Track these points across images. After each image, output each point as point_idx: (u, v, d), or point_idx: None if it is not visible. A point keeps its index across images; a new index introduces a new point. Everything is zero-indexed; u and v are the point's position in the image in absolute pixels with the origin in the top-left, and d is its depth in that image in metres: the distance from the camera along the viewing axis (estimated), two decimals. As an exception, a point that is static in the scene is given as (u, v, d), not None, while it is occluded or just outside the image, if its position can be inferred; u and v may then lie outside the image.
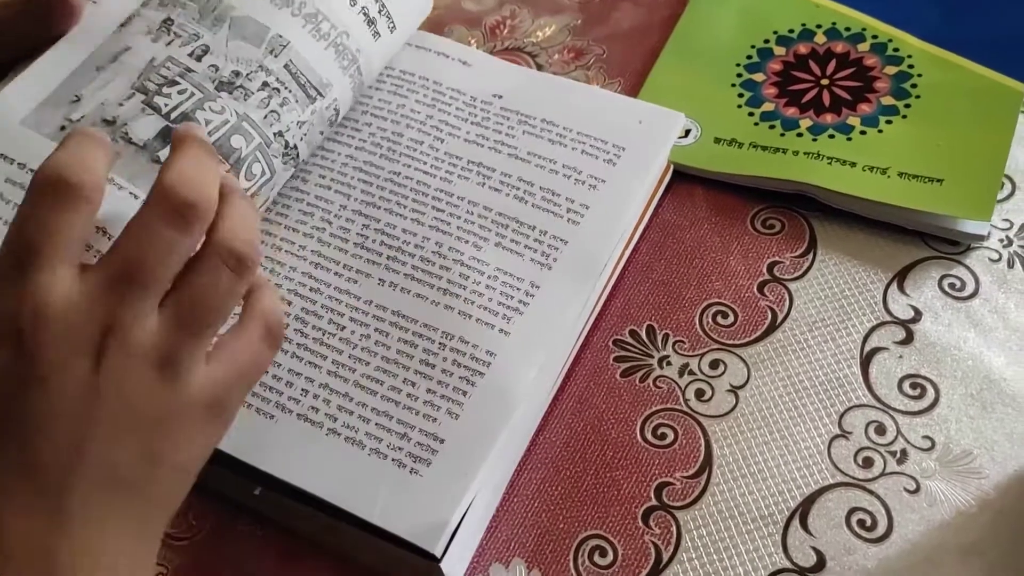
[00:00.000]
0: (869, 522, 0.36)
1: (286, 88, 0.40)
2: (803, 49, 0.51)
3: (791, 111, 0.48)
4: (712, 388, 0.40)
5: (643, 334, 0.42)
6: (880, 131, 0.46)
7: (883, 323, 0.41)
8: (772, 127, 0.47)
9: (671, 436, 0.39)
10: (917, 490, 0.37)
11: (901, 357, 0.40)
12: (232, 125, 0.38)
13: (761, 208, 0.46)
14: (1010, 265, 0.42)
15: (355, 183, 0.43)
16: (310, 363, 0.38)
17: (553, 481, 0.39)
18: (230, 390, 0.30)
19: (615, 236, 0.41)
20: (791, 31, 0.51)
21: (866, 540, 0.36)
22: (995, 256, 0.43)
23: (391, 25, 0.45)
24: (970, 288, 0.42)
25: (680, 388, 0.41)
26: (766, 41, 0.51)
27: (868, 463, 0.38)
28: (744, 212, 0.46)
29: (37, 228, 0.27)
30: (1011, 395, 0.39)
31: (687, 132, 0.48)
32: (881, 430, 0.39)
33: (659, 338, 0.42)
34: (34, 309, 0.26)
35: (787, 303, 0.43)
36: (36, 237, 0.26)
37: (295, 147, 0.41)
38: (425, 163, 0.44)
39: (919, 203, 0.43)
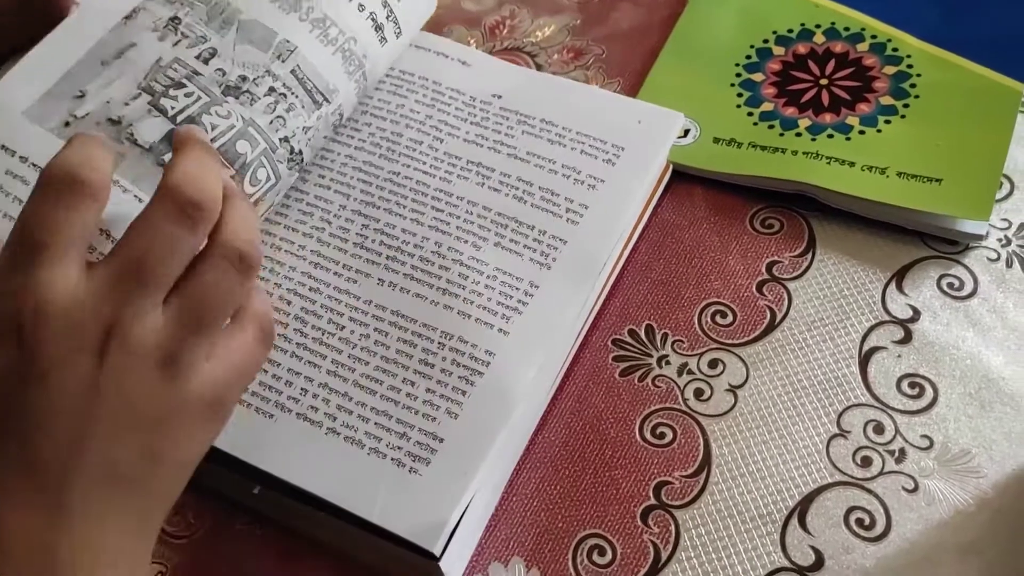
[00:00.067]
0: (868, 521, 0.36)
1: (292, 94, 0.40)
2: (802, 49, 0.51)
3: (790, 111, 0.48)
4: (711, 387, 0.40)
5: (642, 333, 0.42)
6: (879, 131, 0.46)
7: (882, 322, 0.41)
8: (771, 127, 0.47)
9: (670, 435, 0.39)
10: (915, 489, 0.37)
11: (900, 356, 0.40)
12: (238, 130, 0.38)
13: (760, 208, 0.46)
14: (1008, 265, 0.43)
15: (354, 183, 0.44)
16: (309, 363, 0.38)
17: (552, 480, 0.39)
18: (229, 389, 0.30)
19: (614, 236, 0.42)
20: (790, 31, 0.51)
21: (864, 539, 0.36)
22: (993, 256, 0.43)
23: (397, 31, 0.45)
24: (968, 288, 0.42)
25: (679, 387, 0.41)
26: (765, 41, 0.51)
27: (867, 462, 0.38)
28: (743, 212, 0.46)
29: (43, 224, 0.27)
30: (1009, 394, 0.39)
31: (686, 132, 0.48)
32: (880, 429, 0.39)
33: (658, 337, 0.42)
34: (37, 305, 0.26)
35: (786, 303, 0.43)
36: (42, 233, 0.27)
37: (300, 152, 0.41)
38: (424, 163, 0.44)
39: (918, 203, 0.43)
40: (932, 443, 0.38)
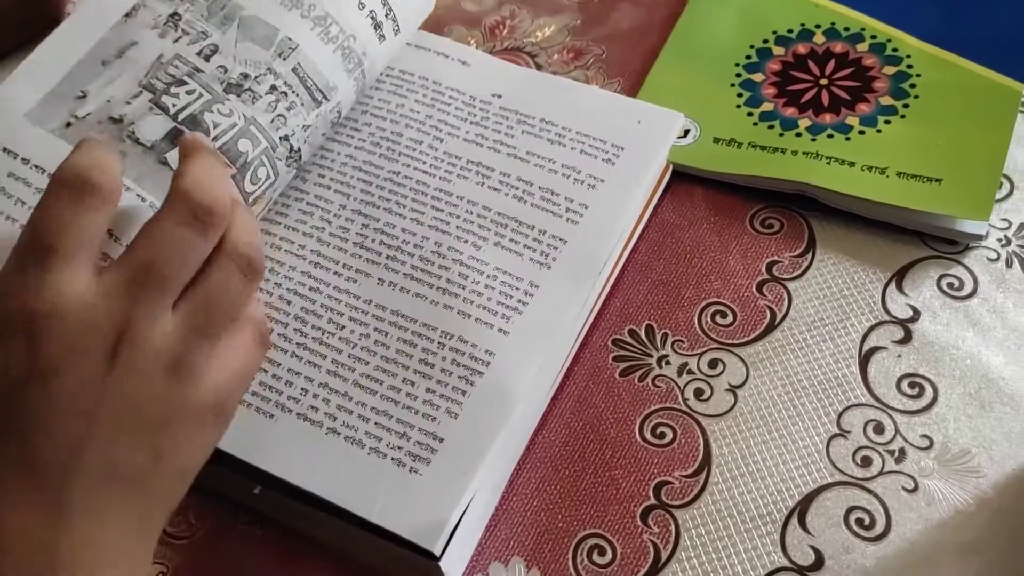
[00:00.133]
0: (867, 521, 0.36)
1: (293, 92, 0.40)
2: (802, 49, 0.51)
3: (790, 111, 0.48)
4: (711, 387, 0.41)
5: (642, 333, 0.42)
6: (879, 131, 0.46)
7: (882, 322, 0.41)
8: (771, 127, 0.48)
9: (670, 435, 0.39)
10: (915, 489, 0.37)
11: (900, 356, 0.40)
12: (240, 129, 0.38)
13: (760, 208, 0.46)
14: (1008, 264, 0.43)
15: (354, 183, 0.44)
16: (309, 362, 0.38)
17: (552, 480, 0.39)
18: (232, 393, 0.30)
19: (614, 236, 0.42)
20: (790, 31, 0.51)
21: (864, 539, 0.36)
22: (993, 256, 0.43)
23: (396, 28, 0.45)
24: (968, 287, 0.42)
25: (679, 387, 0.41)
26: (765, 41, 0.51)
27: (866, 462, 0.38)
28: (743, 212, 0.46)
29: (56, 226, 0.27)
30: (1009, 394, 0.39)
31: (686, 132, 0.48)
32: (879, 429, 0.39)
33: (658, 337, 0.42)
34: (50, 306, 0.26)
35: (786, 303, 0.43)
36: (53, 236, 0.27)
37: (298, 150, 0.41)
38: (424, 163, 0.44)
39: (918, 203, 0.43)
40: (932, 443, 0.38)
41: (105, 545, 0.27)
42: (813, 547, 0.36)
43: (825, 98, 0.48)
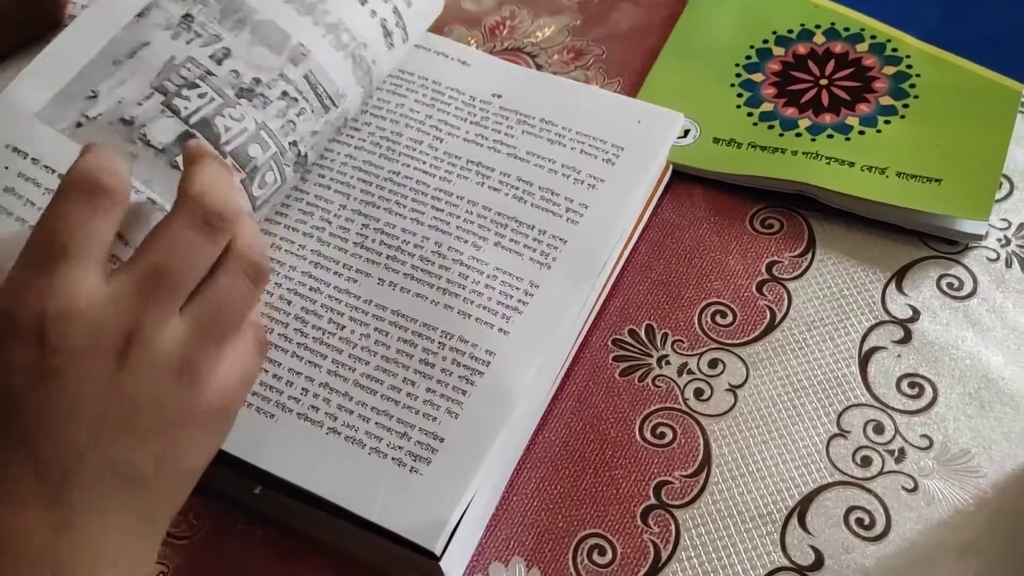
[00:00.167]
0: (867, 521, 0.37)
1: (304, 98, 0.40)
2: (802, 49, 0.51)
3: (790, 111, 0.48)
4: (711, 387, 0.41)
5: (642, 333, 0.43)
6: (879, 131, 0.46)
7: (881, 322, 0.42)
8: (771, 127, 0.48)
9: (670, 435, 0.39)
10: (915, 489, 0.37)
11: (899, 356, 0.41)
12: (250, 134, 0.38)
13: (760, 208, 0.46)
14: (1008, 265, 0.43)
15: (354, 182, 0.44)
16: (310, 362, 0.38)
17: (552, 480, 0.39)
18: (235, 396, 0.30)
19: (614, 235, 0.42)
20: (790, 31, 0.51)
21: (864, 539, 0.36)
22: (993, 256, 0.43)
23: (404, 36, 0.45)
24: (968, 287, 0.42)
25: (679, 387, 0.41)
26: (765, 41, 0.51)
27: (866, 462, 0.38)
28: (743, 212, 0.46)
29: (68, 227, 0.27)
30: (1009, 394, 0.39)
31: (686, 132, 0.48)
32: (879, 429, 0.39)
33: (658, 337, 0.42)
34: (61, 306, 0.26)
35: (786, 302, 0.43)
36: (66, 236, 0.27)
37: (305, 156, 0.41)
38: (424, 162, 0.44)
39: (917, 203, 0.43)
40: (932, 443, 0.38)
41: (106, 546, 0.27)
42: (813, 547, 0.36)
43: (825, 98, 0.48)
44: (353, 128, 0.45)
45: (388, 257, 0.41)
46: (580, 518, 0.38)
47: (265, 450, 0.36)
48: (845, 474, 0.38)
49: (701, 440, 0.39)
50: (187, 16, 0.38)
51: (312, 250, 0.42)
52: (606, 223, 0.42)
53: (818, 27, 0.51)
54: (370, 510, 0.35)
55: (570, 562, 0.37)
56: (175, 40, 0.38)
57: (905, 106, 0.47)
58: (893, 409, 0.39)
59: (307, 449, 0.36)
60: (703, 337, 0.42)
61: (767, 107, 0.48)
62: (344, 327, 0.39)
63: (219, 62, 0.38)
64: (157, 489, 0.28)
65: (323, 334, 0.39)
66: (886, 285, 0.43)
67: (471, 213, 0.42)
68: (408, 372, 0.38)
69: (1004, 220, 0.44)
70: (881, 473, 0.38)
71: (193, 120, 0.37)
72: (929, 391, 0.39)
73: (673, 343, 0.42)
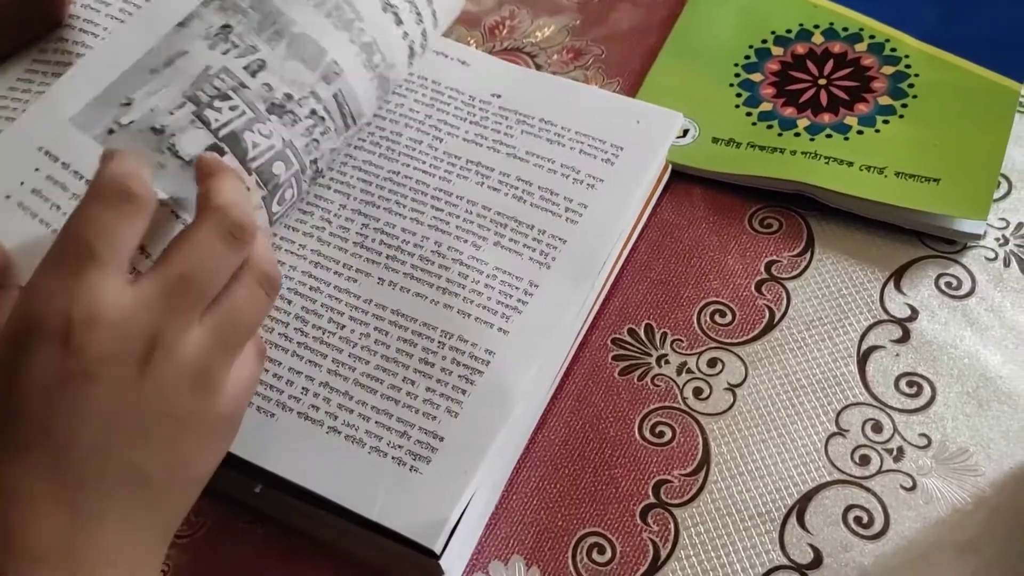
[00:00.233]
0: (866, 519, 0.37)
1: (330, 117, 0.40)
2: (801, 49, 0.51)
3: (789, 111, 0.48)
4: (710, 386, 0.41)
5: (641, 333, 0.43)
6: (877, 131, 0.46)
7: (880, 322, 0.42)
8: (770, 127, 0.48)
9: (669, 434, 0.40)
10: (913, 487, 0.37)
11: (898, 355, 0.41)
12: (276, 152, 0.38)
13: (759, 207, 0.46)
14: (1006, 264, 0.43)
15: (354, 182, 0.44)
16: (310, 362, 0.39)
17: (552, 479, 0.39)
18: (242, 404, 0.31)
19: (613, 235, 0.42)
20: (789, 31, 0.52)
21: (863, 537, 0.36)
22: (991, 255, 0.43)
23: (422, 54, 0.45)
24: (966, 287, 0.42)
25: (678, 386, 0.41)
26: (764, 41, 0.52)
27: (865, 461, 0.38)
28: (742, 211, 0.46)
29: (97, 232, 0.27)
30: (1007, 393, 0.39)
31: (685, 132, 0.48)
32: (878, 428, 0.39)
33: (657, 337, 0.42)
34: (87, 309, 0.26)
35: (785, 302, 0.43)
36: (94, 240, 0.27)
37: (321, 171, 0.41)
38: (424, 162, 0.44)
39: (916, 202, 0.43)
40: (930, 442, 0.38)
41: (117, 549, 0.27)
42: (812, 545, 0.36)
43: (824, 98, 0.48)
44: (353, 128, 0.46)
45: (388, 257, 0.41)
46: (579, 517, 0.38)
47: (266, 449, 0.36)
48: (844, 473, 0.38)
49: (700, 439, 0.39)
50: (226, 27, 0.38)
51: (312, 250, 0.42)
52: (605, 223, 0.42)
53: (817, 27, 0.51)
54: (370, 509, 0.35)
55: (570, 561, 0.37)
56: (212, 50, 0.38)
57: (904, 106, 0.47)
58: (891, 408, 0.39)
59: (307, 448, 0.36)
60: (702, 336, 0.42)
61: (766, 107, 0.49)
62: (344, 326, 0.39)
63: (253, 74, 0.37)
64: (168, 494, 0.29)
65: (323, 333, 0.39)
66: (884, 284, 0.43)
67: (471, 213, 0.42)
68: (408, 371, 0.38)
69: (1002, 219, 0.44)
70: (879, 472, 0.38)
71: (222, 133, 0.37)
72: (927, 390, 0.40)
73: (672, 342, 0.42)
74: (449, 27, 0.51)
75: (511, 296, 0.40)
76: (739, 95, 0.49)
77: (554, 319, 0.39)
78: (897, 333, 0.41)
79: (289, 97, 0.38)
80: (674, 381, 0.41)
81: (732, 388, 0.41)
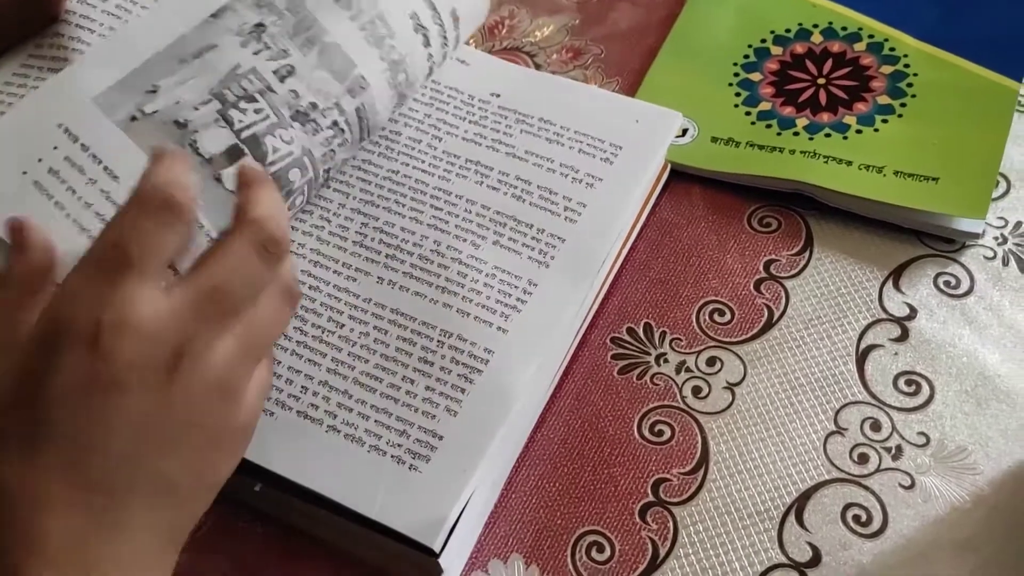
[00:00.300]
0: (864, 518, 0.37)
1: (350, 130, 0.40)
2: (800, 49, 0.51)
3: (788, 110, 0.48)
4: (709, 385, 0.41)
5: (640, 332, 0.43)
6: (876, 130, 0.46)
7: (879, 320, 0.42)
8: (769, 126, 0.48)
9: (668, 433, 0.40)
10: (912, 486, 0.37)
11: (896, 354, 0.41)
12: (295, 159, 0.38)
13: (758, 207, 0.46)
14: (1005, 263, 0.43)
15: (353, 181, 0.44)
16: (309, 360, 0.39)
17: (551, 477, 0.39)
18: (258, 411, 0.31)
19: (612, 234, 0.42)
20: (788, 31, 0.52)
21: (861, 535, 0.36)
22: (990, 254, 0.43)
23: (438, 70, 0.46)
24: (965, 286, 0.42)
25: (677, 385, 0.41)
26: (763, 41, 0.52)
27: (863, 459, 0.38)
28: (741, 211, 0.46)
29: (137, 240, 0.27)
30: (1005, 391, 0.39)
31: (684, 131, 0.48)
32: (876, 426, 0.39)
33: (656, 336, 0.42)
34: (118, 316, 0.26)
35: (783, 301, 0.43)
36: (133, 248, 0.27)
37: (331, 178, 0.41)
38: (423, 161, 0.44)
39: (915, 201, 0.43)
40: (929, 440, 0.38)
41: (134, 556, 0.27)
42: (810, 544, 0.36)
43: (823, 97, 0.48)
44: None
45: (387, 256, 0.41)
46: (579, 515, 0.38)
47: (265, 448, 0.36)
48: (842, 471, 0.38)
49: (699, 438, 0.39)
50: (260, 25, 0.37)
51: (311, 249, 0.42)
52: (604, 222, 0.42)
53: (816, 26, 0.51)
54: (370, 507, 0.35)
55: (569, 559, 0.37)
56: (243, 48, 0.37)
57: (903, 105, 0.47)
58: (890, 406, 0.39)
59: (307, 447, 0.36)
60: (701, 335, 0.42)
61: (765, 106, 0.49)
62: (343, 325, 0.39)
63: (282, 79, 0.37)
64: (186, 502, 0.29)
65: (322, 332, 0.39)
66: (883, 283, 0.43)
67: (470, 212, 0.42)
68: (407, 370, 0.38)
69: (1001, 218, 0.44)
70: (878, 470, 0.38)
71: (244, 135, 0.36)
72: (926, 388, 0.40)
73: (671, 341, 0.42)
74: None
75: (510, 295, 0.40)
76: (738, 94, 0.50)
77: (553, 318, 0.39)
78: (896, 332, 0.41)
79: (314, 106, 0.38)
80: (673, 380, 0.41)
81: (731, 387, 0.41)
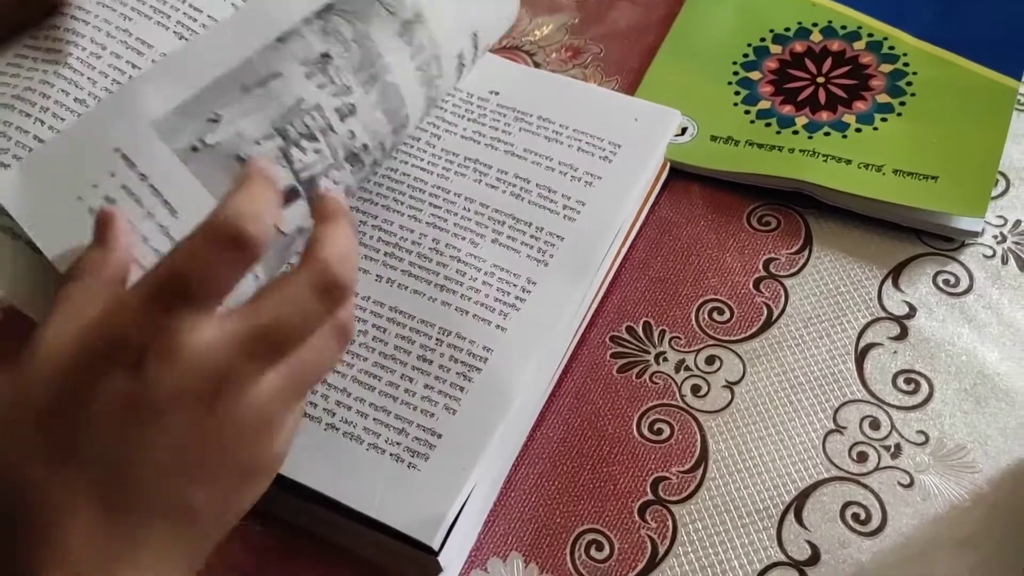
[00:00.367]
0: (863, 516, 0.37)
1: (379, 167, 0.39)
2: (799, 47, 0.51)
3: (787, 109, 0.48)
4: (708, 384, 0.41)
5: (639, 330, 0.43)
6: (875, 128, 0.46)
7: (878, 319, 0.42)
8: (768, 125, 0.48)
9: (667, 431, 0.40)
10: (911, 484, 0.37)
11: (895, 353, 0.41)
12: None
13: (757, 205, 0.46)
14: (1004, 261, 0.43)
15: (353, 180, 0.44)
16: (308, 359, 0.39)
17: (550, 476, 0.39)
18: (291, 441, 0.30)
19: (611, 233, 0.42)
20: (787, 29, 0.52)
21: (860, 534, 0.36)
22: (989, 252, 0.43)
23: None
24: (964, 284, 0.42)
25: (676, 384, 0.41)
26: (762, 39, 0.52)
27: (862, 457, 0.38)
28: (740, 209, 0.46)
29: (199, 272, 0.26)
30: (1004, 390, 0.39)
31: (684, 130, 0.48)
32: (875, 425, 0.39)
33: (655, 334, 0.42)
34: (168, 344, 0.26)
35: (783, 299, 0.43)
36: (194, 280, 0.26)
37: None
38: (422, 160, 0.44)
39: (914, 200, 0.43)
40: (928, 438, 0.38)
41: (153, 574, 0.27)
42: (809, 542, 0.36)
43: (822, 96, 0.48)
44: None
45: (386, 254, 0.41)
46: (578, 514, 0.38)
47: (264, 446, 0.36)
48: (841, 470, 0.38)
49: (698, 436, 0.39)
50: (326, 56, 0.34)
51: (311, 247, 0.42)
52: (603, 220, 0.42)
53: (815, 25, 0.51)
54: (369, 505, 0.35)
55: (568, 557, 0.37)
56: (308, 80, 0.34)
57: (902, 104, 0.47)
58: (889, 405, 0.39)
59: (306, 445, 0.36)
60: (700, 334, 0.42)
61: (764, 105, 0.49)
62: (342, 324, 0.39)
63: (343, 118, 0.35)
64: (209, 529, 0.29)
65: (321, 331, 0.39)
66: (882, 282, 0.43)
67: (468, 210, 0.42)
68: (406, 368, 0.38)
69: (1000, 217, 0.44)
70: (877, 469, 0.38)
71: (303, 176, 0.34)
72: (925, 387, 0.40)
73: (670, 340, 0.42)
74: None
75: (509, 293, 0.40)
76: (737, 93, 0.50)
77: (552, 316, 0.39)
78: (895, 330, 0.41)
79: (365, 147, 0.36)
80: (672, 378, 0.41)
81: (730, 385, 0.41)
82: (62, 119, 0.36)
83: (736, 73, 0.50)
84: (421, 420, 0.37)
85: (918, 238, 0.44)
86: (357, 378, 0.38)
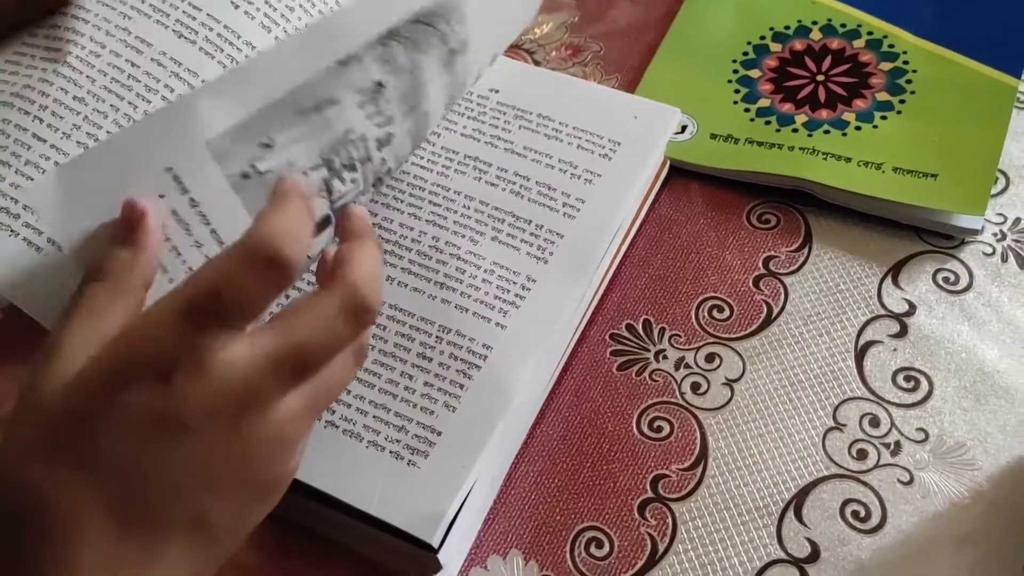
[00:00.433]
0: (863, 513, 0.37)
1: (389, 187, 0.39)
2: (799, 45, 0.51)
3: (787, 107, 0.48)
4: (708, 381, 0.41)
5: (639, 328, 0.43)
6: (875, 127, 0.46)
7: (877, 316, 0.42)
8: (768, 123, 0.48)
9: (667, 429, 0.40)
10: (911, 482, 0.37)
11: (895, 350, 0.41)
12: None
13: (757, 203, 0.46)
14: (1003, 259, 0.43)
15: (353, 178, 0.44)
16: (308, 356, 0.38)
17: (550, 473, 0.39)
18: (299, 462, 0.30)
19: (611, 230, 0.42)
20: (787, 27, 0.52)
21: (860, 531, 0.36)
22: (989, 250, 0.43)
23: None
24: (964, 282, 0.42)
25: (676, 381, 0.41)
26: (762, 38, 0.52)
27: (862, 455, 0.38)
28: (740, 207, 0.46)
29: (234, 292, 0.26)
30: (1004, 387, 0.39)
31: (683, 128, 0.48)
32: (875, 422, 0.39)
33: (655, 332, 0.42)
34: (197, 361, 0.26)
35: (782, 297, 0.43)
36: (227, 299, 0.26)
37: None
38: (422, 157, 0.44)
39: (914, 198, 0.43)
40: (927, 436, 0.38)
41: None
42: (809, 539, 0.36)
43: (822, 94, 0.48)
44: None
45: (386, 252, 0.41)
46: (578, 511, 0.38)
47: (263, 444, 0.36)
48: (841, 467, 0.38)
49: (698, 434, 0.39)
50: (380, 84, 0.33)
51: (310, 245, 0.42)
52: (603, 218, 0.42)
53: (815, 23, 0.51)
54: (368, 503, 0.35)
55: (568, 555, 0.37)
56: (360, 109, 0.33)
57: (902, 102, 0.47)
58: (889, 403, 0.39)
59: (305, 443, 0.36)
60: (700, 331, 0.42)
61: (764, 103, 0.49)
62: (342, 321, 0.39)
63: (380, 147, 0.34)
64: (223, 544, 0.28)
65: (321, 328, 0.39)
66: (882, 279, 0.43)
67: (468, 208, 0.42)
68: (406, 366, 0.38)
69: (1000, 215, 0.44)
70: (877, 466, 0.38)
71: (336, 205, 0.33)
72: (925, 385, 0.40)
73: (670, 337, 0.42)
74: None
75: (509, 291, 0.40)
76: (737, 91, 0.50)
77: (552, 314, 0.39)
78: (895, 328, 0.41)
79: (389, 172, 0.36)
80: (672, 376, 0.41)
81: (730, 383, 0.41)
82: (61, 117, 0.36)
83: (736, 71, 0.50)
84: (421, 418, 0.37)
85: (918, 236, 0.44)
86: (357, 376, 0.38)
